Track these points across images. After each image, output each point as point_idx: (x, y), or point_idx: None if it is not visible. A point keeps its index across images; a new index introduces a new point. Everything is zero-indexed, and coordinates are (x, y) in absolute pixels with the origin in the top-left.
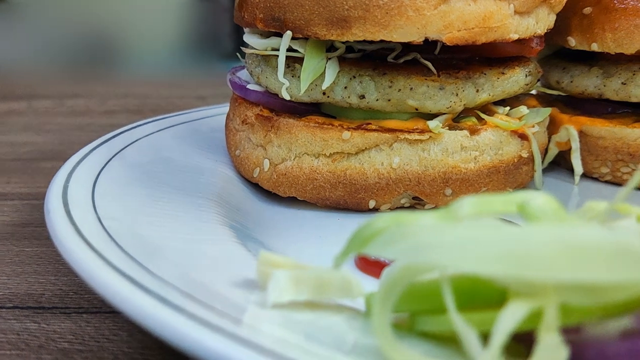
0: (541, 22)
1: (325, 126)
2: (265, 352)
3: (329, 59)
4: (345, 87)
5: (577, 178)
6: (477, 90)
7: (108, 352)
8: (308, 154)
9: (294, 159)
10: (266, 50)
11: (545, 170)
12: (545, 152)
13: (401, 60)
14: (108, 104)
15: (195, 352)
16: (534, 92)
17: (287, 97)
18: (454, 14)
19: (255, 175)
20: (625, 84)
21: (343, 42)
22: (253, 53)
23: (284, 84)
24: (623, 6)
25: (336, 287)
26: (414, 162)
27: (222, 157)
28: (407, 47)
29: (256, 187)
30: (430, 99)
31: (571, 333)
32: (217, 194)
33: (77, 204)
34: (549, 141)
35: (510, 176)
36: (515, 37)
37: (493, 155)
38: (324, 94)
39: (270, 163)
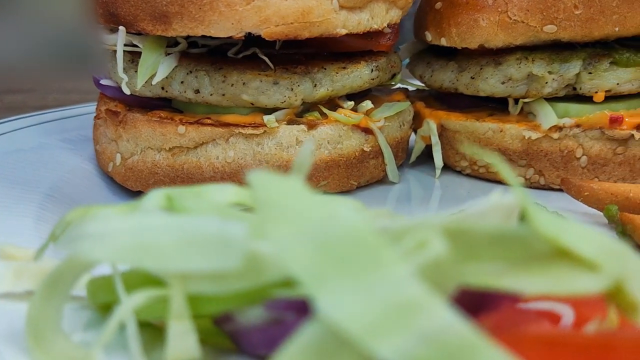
0: (377, 17)
1: (165, 121)
2: None
3: (170, 54)
4: (182, 82)
5: (437, 172)
6: (315, 85)
7: None
8: (152, 149)
9: (140, 154)
10: (114, 45)
11: (415, 164)
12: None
13: (240, 55)
14: (47, 99)
15: None
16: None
17: (128, 92)
18: (269, 9)
19: (110, 170)
20: (474, 78)
21: (185, 37)
22: (106, 49)
23: (123, 79)
24: (465, 0)
25: None
26: (248, 156)
27: (92, 154)
28: (248, 42)
29: (114, 182)
30: (263, 93)
31: (226, 322)
32: (62, 190)
33: None
34: (415, 135)
35: (355, 170)
36: (344, 32)
37: (331, 149)
38: (162, 88)
39: (121, 157)
